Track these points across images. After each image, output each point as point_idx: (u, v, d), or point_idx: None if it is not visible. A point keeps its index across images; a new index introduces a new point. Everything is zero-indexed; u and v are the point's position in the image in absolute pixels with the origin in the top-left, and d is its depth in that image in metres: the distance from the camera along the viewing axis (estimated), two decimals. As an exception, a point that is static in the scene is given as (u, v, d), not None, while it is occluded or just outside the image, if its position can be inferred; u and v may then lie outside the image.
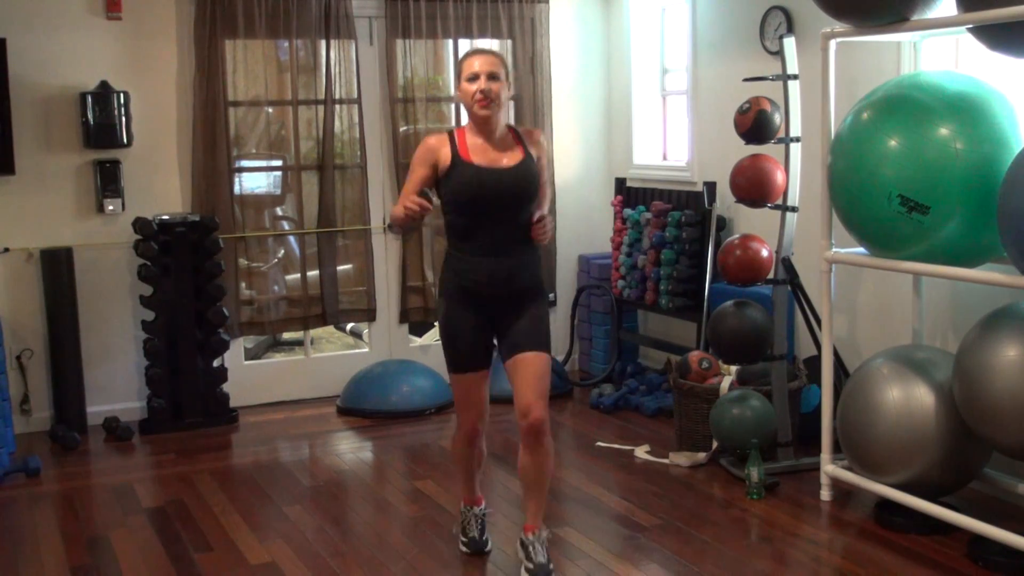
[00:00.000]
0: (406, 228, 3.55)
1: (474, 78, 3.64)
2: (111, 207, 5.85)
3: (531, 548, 3.81)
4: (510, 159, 3.71)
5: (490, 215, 3.68)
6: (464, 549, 4.11)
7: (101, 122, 5.76)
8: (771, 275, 4.89)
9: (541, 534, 3.84)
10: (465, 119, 3.79)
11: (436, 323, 7.19)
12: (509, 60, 6.61)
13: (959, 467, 4.10)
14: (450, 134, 3.75)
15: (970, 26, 3.86)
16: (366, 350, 6.69)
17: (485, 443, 4.06)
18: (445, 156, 3.70)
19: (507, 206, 3.68)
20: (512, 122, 4.12)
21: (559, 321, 6.96)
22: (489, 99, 3.63)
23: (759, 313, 4.85)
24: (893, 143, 3.94)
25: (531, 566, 3.78)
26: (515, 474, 4.98)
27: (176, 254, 5.80)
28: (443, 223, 3.86)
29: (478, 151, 3.70)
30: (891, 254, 4.10)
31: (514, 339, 3.75)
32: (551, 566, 3.82)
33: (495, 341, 3.84)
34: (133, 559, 4.15)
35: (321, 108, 6.24)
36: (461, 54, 3.89)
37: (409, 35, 6.35)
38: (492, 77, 3.64)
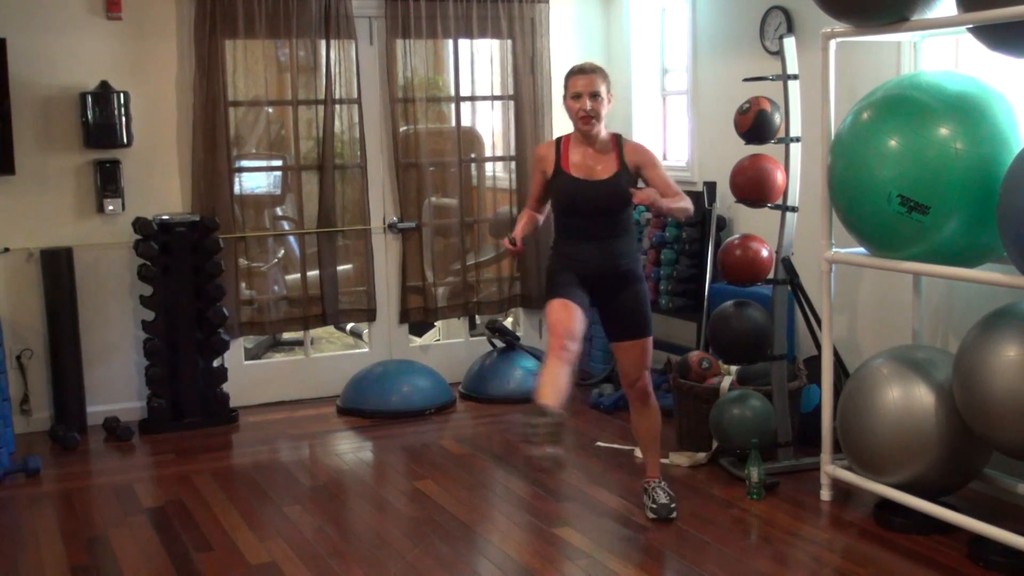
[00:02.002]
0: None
1: (578, 96, 4.14)
2: (111, 207, 5.85)
3: (653, 492, 4.42)
4: (605, 170, 4.21)
5: (584, 215, 4.23)
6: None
7: (101, 122, 5.76)
8: (771, 275, 4.89)
9: (661, 481, 4.44)
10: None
11: (436, 323, 7.23)
12: (509, 60, 6.61)
13: (959, 467, 4.10)
14: (557, 142, 4.31)
15: (970, 26, 3.86)
16: (366, 350, 6.69)
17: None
18: (550, 164, 4.28)
19: (598, 211, 4.22)
20: (605, 129, 4.29)
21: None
22: (591, 117, 4.15)
23: (759, 313, 4.85)
24: (893, 143, 3.94)
25: (654, 506, 4.38)
26: (516, 474, 5.00)
27: (176, 254, 5.80)
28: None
29: (578, 161, 4.24)
30: (891, 254, 4.10)
31: (617, 327, 4.33)
32: (673, 506, 4.37)
33: (601, 320, 4.40)
34: (133, 559, 4.15)
35: (321, 108, 6.24)
36: (566, 70, 4.28)
37: (409, 35, 6.35)
38: (594, 96, 4.14)
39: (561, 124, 6.79)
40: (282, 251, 6.69)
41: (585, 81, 4.15)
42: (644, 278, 4.38)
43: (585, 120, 4.16)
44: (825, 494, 4.52)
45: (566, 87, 4.21)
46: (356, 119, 6.32)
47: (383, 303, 6.56)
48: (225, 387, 6.01)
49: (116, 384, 6.02)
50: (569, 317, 4.12)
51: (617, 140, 4.28)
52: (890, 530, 4.18)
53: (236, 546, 4.24)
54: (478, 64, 6.66)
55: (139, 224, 5.78)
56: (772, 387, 4.90)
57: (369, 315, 6.56)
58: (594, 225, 4.22)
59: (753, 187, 4.78)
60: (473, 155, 6.72)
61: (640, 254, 4.77)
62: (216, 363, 6.01)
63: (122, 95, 5.80)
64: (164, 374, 5.84)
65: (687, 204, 4.22)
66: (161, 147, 6.00)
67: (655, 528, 4.29)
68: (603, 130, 4.24)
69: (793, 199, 4.80)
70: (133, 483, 5.06)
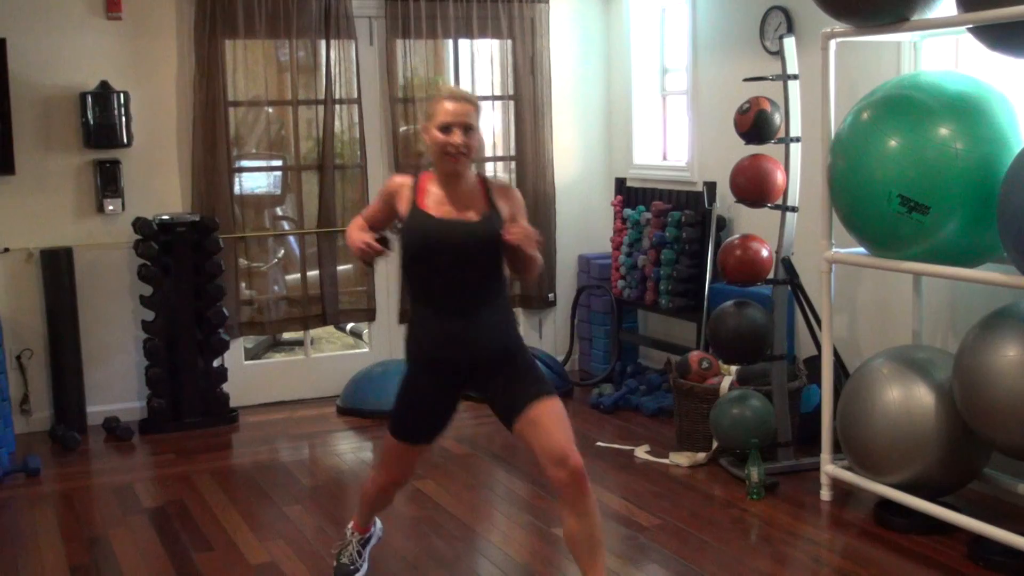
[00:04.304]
0: (365, 261, 3.45)
1: (447, 128, 3.29)
2: (111, 207, 5.85)
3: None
4: (475, 212, 3.36)
5: (445, 269, 3.34)
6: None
7: (101, 122, 5.76)
8: (771, 275, 4.89)
9: None
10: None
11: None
12: (509, 61, 6.61)
13: (959, 467, 4.10)
14: (415, 178, 3.46)
15: (970, 26, 3.86)
16: (366, 350, 6.69)
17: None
18: (405, 200, 3.41)
19: (464, 262, 3.33)
20: (479, 170, 3.61)
21: (559, 321, 6.96)
22: (461, 154, 3.31)
23: (759, 313, 4.85)
24: (893, 143, 3.94)
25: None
26: (516, 474, 5.00)
27: (176, 254, 5.80)
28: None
29: (438, 198, 3.37)
30: (891, 254, 4.10)
31: (510, 398, 3.39)
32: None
33: (491, 406, 3.50)
34: (133, 559, 4.15)
35: (321, 108, 6.24)
36: (434, 97, 3.45)
37: (409, 35, 6.35)
38: (467, 129, 3.31)
39: (562, 124, 6.80)
40: (282, 251, 6.70)
41: (457, 109, 3.30)
42: (525, 347, 3.51)
43: (454, 158, 3.29)
44: (825, 494, 4.52)
45: (432, 113, 3.34)
46: (356, 119, 6.32)
47: (383, 303, 6.56)
48: (225, 387, 6.02)
49: (116, 384, 6.02)
50: (409, 470, 3.63)
51: (484, 181, 3.44)
52: (890, 530, 4.18)
53: (236, 546, 4.24)
54: (478, 64, 6.67)
55: (139, 224, 5.78)
56: (772, 387, 4.90)
57: (369, 315, 6.56)
58: (458, 286, 3.34)
59: (753, 187, 4.78)
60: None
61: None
62: (216, 363, 6.01)
63: (122, 95, 5.80)
64: (164, 374, 5.84)
65: (539, 260, 3.37)
66: (161, 147, 6.00)
67: (655, 528, 4.29)
68: (470, 175, 3.40)
69: (793, 199, 4.80)
70: (133, 483, 5.06)
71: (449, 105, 3.31)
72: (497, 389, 3.41)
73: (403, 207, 3.41)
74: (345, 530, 3.93)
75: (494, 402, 3.46)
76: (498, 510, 4.64)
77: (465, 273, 3.34)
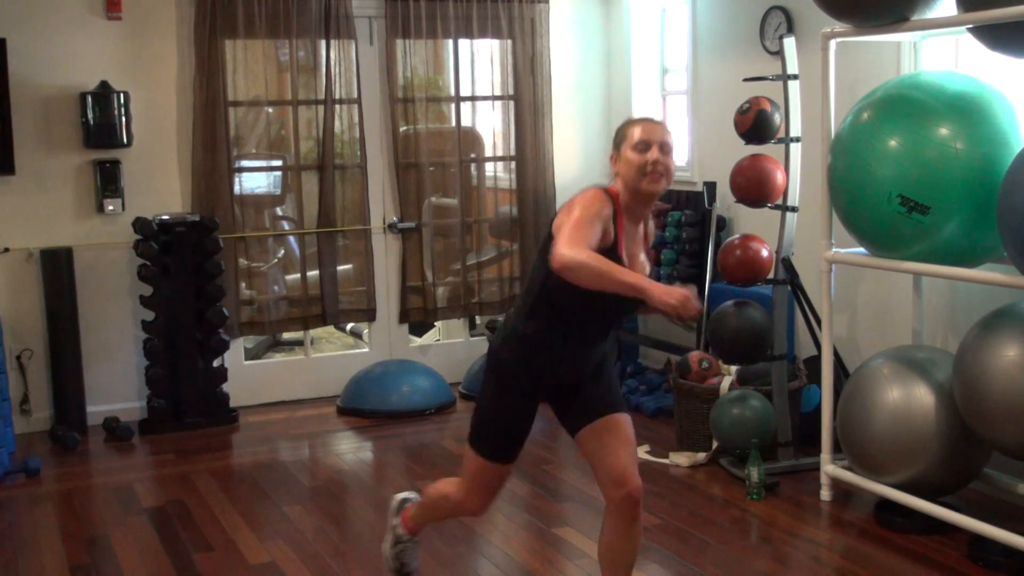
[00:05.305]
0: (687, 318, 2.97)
1: (645, 146, 3.07)
2: (111, 207, 5.85)
3: None
4: (645, 263, 3.22)
5: (603, 317, 3.21)
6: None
7: (101, 122, 5.76)
8: (771, 275, 4.89)
9: None
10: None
11: (436, 323, 7.21)
12: (509, 60, 6.61)
13: (959, 467, 4.10)
14: (612, 202, 3.10)
15: (970, 26, 3.86)
16: (366, 350, 6.69)
17: None
18: (608, 234, 3.06)
19: (623, 309, 3.20)
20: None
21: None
22: (661, 174, 3.07)
23: (759, 313, 4.85)
24: (893, 143, 3.94)
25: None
26: (516, 474, 4.98)
27: (176, 254, 5.80)
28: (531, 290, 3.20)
29: (628, 243, 3.14)
30: (891, 254, 4.10)
31: (586, 406, 3.26)
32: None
33: (560, 415, 3.35)
34: (133, 559, 4.16)
35: (321, 108, 6.24)
36: (625, 123, 3.20)
37: (409, 35, 6.36)
38: (665, 149, 3.09)
39: (562, 124, 6.80)
40: (282, 251, 6.69)
41: (654, 129, 3.11)
42: (610, 360, 3.41)
43: (654, 177, 3.07)
44: (825, 494, 4.52)
45: (624, 136, 3.13)
46: (356, 119, 6.32)
47: (383, 303, 6.56)
48: (225, 387, 6.01)
49: (116, 384, 6.02)
50: (499, 490, 3.41)
51: (646, 219, 3.27)
52: (890, 530, 4.18)
53: (236, 546, 4.25)
54: (478, 64, 6.67)
55: (139, 224, 5.78)
56: (772, 387, 4.90)
57: (369, 315, 6.56)
58: (602, 329, 3.23)
59: (753, 187, 4.78)
60: (473, 155, 6.73)
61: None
62: (216, 363, 6.01)
63: (122, 95, 5.80)
64: (164, 374, 5.84)
65: None
66: (161, 147, 6.00)
67: (655, 528, 4.30)
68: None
69: (793, 199, 4.81)
70: (133, 483, 5.06)
71: (642, 126, 3.12)
72: (575, 398, 3.28)
73: (607, 239, 3.05)
74: (396, 528, 3.75)
75: (566, 409, 3.31)
76: (498, 510, 4.63)
77: (617, 315, 3.25)
